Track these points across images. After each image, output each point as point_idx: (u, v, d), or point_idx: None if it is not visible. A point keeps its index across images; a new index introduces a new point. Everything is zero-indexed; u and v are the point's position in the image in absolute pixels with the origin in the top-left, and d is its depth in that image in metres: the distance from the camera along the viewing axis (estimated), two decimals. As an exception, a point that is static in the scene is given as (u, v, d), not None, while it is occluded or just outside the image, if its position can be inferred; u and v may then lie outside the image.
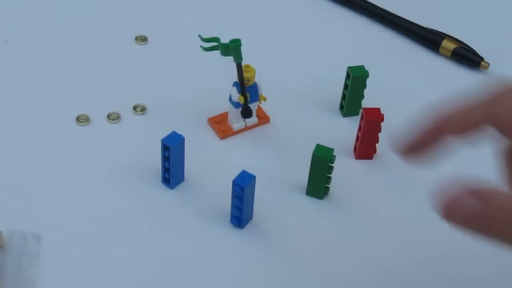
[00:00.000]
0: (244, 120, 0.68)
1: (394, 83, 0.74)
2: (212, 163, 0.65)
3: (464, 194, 0.41)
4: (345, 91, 0.69)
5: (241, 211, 0.59)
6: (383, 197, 0.64)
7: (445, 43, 0.76)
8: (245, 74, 0.64)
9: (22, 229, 0.58)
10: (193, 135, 0.66)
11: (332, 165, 0.61)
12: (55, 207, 0.61)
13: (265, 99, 0.67)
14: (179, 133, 0.61)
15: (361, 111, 0.65)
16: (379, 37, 0.79)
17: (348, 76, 0.68)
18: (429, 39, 0.77)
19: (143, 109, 0.69)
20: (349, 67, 0.68)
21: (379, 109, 0.64)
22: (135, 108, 0.69)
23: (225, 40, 0.62)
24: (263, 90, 0.67)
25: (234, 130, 0.68)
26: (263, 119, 0.69)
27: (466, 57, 0.76)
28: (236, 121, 0.67)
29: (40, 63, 0.73)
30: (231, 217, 0.60)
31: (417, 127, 0.46)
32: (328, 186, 0.63)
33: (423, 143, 0.46)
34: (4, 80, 0.71)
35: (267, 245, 0.60)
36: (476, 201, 0.41)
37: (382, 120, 0.64)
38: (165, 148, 0.60)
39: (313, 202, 0.63)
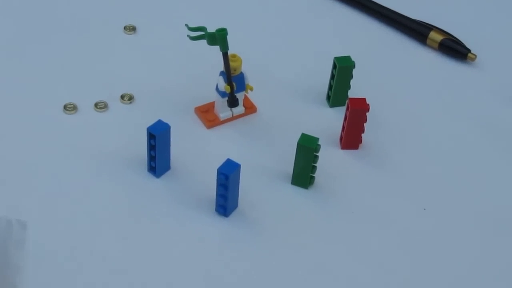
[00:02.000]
0: (231, 110, 0.68)
1: (381, 74, 0.74)
2: (199, 152, 0.66)
3: None
4: (331, 81, 0.69)
5: (226, 200, 0.59)
6: (368, 187, 0.64)
7: (433, 34, 0.77)
8: (232, 64, 0.64)
9: (7, 216, 0.58)
10: (180, 124, 0.66)
11: (317, 154, 0.62)
12: (41, 195, 0.61)
13: (251, 89, 0.67)
14: (166, 122, 0.61)
15: (347, 101, 0.65)
16: (366, 28, 0.79)
17: (334, 66, 0.68)
18: (417, 30, 0.78)
19: (131, 98, 0.70)
20: (335, 58, 0.68)
21: (364, 99, 0.64)
22: (122, 97, 0.69)
23: (211, 29, 0.63)
24: (250, 80, 0.67)
25: (221, 119, 0.68)
26: (250, 108, 0.69)
27: (453, 48, 0.76)
28: (222, 110, 0.67)
29: (28, 51, 0.73)
30: (216, 205, 0.61)
31: None
32: (313, 175, 0.63)
33: None
34: (-8, 68, 0.72)
35: (251, 233, 0.60)
36: None
37: (368, 110, 0.64)
38: (151, 136, 0.61)
39: (298, 191, 0.63)
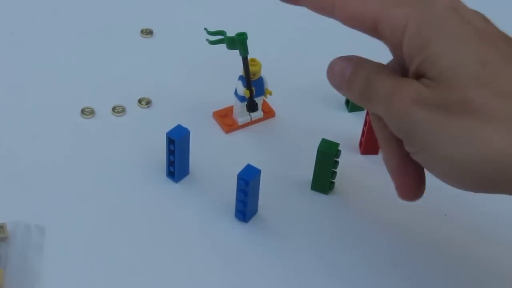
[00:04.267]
0: (249, 114, 0.67)
1: (400, 79, 0.74)
2: (217, 157, 0.65)
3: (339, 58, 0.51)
4: (351, 86, 0.69)
5: (245, 205, 0.59)
6: (388, 193, 0.63)
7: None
8: (251, 68, 0.64)
9: (26, 221, 0.58)
10: (198, 128, 0.66)
11: (337, 159, 0.61)
12: (59, 199, 0.61)
13: (270, 93, 0.67)
14: (184, 126, 0.61)
15: (367, 106, 0.65)
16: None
17: (354, 71, 0.68)
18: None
19: (148, 102, 0.69)
20: (355, 62, 0.67)
21: (385, 104, 0.64)
22: (140, 101, 0.69)
23: (231, 33, 0.62)
24: (269, 84, 0.67)
25: (239, 124, 0.67)
26: (269, 113, 0.69)
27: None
28: (241, 115, 0.67)
29: (45, 55, 0.73)
30: (235, 211, 0.60)
31: None
32: (333, 181, 0.63)
33: None
34: (9, 72, 0.71)
35: (271, 239, 0.60)
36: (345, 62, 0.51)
37: (388, 115, 0.64)
38: (170, 141, 0.60)
39: (318, 196, 0.63)
